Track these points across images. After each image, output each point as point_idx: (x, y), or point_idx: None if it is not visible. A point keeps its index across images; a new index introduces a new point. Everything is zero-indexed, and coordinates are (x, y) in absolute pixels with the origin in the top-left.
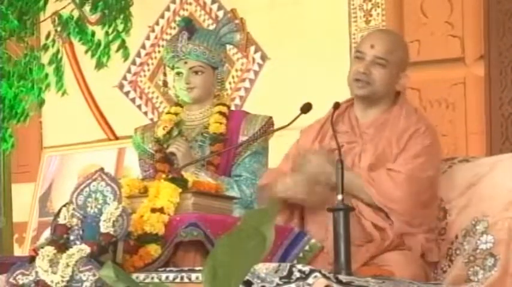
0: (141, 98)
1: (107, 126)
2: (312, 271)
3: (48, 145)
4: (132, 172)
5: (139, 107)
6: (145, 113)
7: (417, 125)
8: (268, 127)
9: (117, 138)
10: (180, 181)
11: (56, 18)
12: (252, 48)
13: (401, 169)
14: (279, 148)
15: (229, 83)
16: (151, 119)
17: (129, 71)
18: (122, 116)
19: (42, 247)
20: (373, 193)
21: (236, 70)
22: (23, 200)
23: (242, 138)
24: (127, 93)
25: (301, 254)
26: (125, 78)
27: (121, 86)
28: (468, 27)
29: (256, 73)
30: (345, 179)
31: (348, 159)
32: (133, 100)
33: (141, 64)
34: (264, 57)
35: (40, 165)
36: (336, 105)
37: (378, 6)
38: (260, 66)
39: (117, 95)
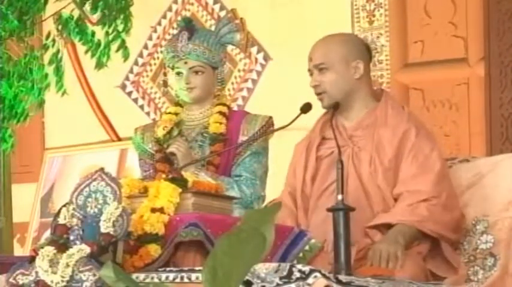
0: (143, 98)
1: (110, 127)
2: (312, 271)
3: (51, 145)
4: (133, 173)
5: (141, 107)
6: (148, 114)
7: (408, 124)
8: (268, 127)
9: (119, 139)
10: (180, 181)
11: (57, 18)
12: (255, 49)
13: (434, 193)
14: (279, 148)
15: (232, 83)
16: (154, 119)
17: (131, 71)
18: (124, 117)
19: (42, 247)
20: (430, 225)
21: (239, 70)
22: (25, 200)
23: (242, 138)
24: (129, 94)
25: (301, 254)
26: (127, 78)
27: (123, 87)
28: (471, 27)
29: (258, 73)
30: (398, 234)
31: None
32: (135, 100)
33: (144, 64)
34: (266, 58)
35: (42, 166)
36: (336, 106)
37: (381, 7)
38: (263, 66)
39: (119, 96)
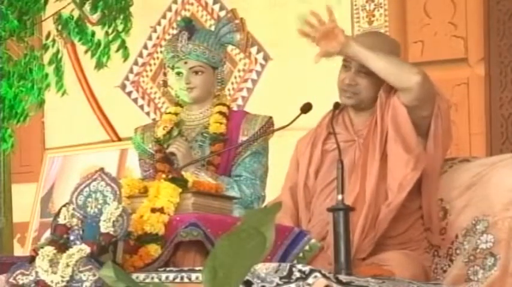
0: (143, 98)
1: (110, 127)
2: (312, 271)
3: (51, 145)
4: (133, 173)
5: (141, 107)
6: (148, 114)
7: None
8: (268, 127)
9: (119, 139)
10: (180, 181)
11: (57, 18)
12: (255, 49)
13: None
14: (279, 148)
15: (232, 83)
16: (154, 119)
17: (131, 71)
18: (124, 117)
19: (42, 247)
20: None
21: (239, 70)
22: (26, 200)
23: (242, 138)
24: (129, 94)
25: (301, 254)
26: (127, 78)
27: (123, 87)
28: (471, 27)
29: (258, 73)
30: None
31: (347, 157)
32: (135, 100)
33: (143, 64)
34: (266, 58)
35: (42, 166)
36: (336, 105)
37: (381, 7)
38: (262, 66)
39: (119, 96)
